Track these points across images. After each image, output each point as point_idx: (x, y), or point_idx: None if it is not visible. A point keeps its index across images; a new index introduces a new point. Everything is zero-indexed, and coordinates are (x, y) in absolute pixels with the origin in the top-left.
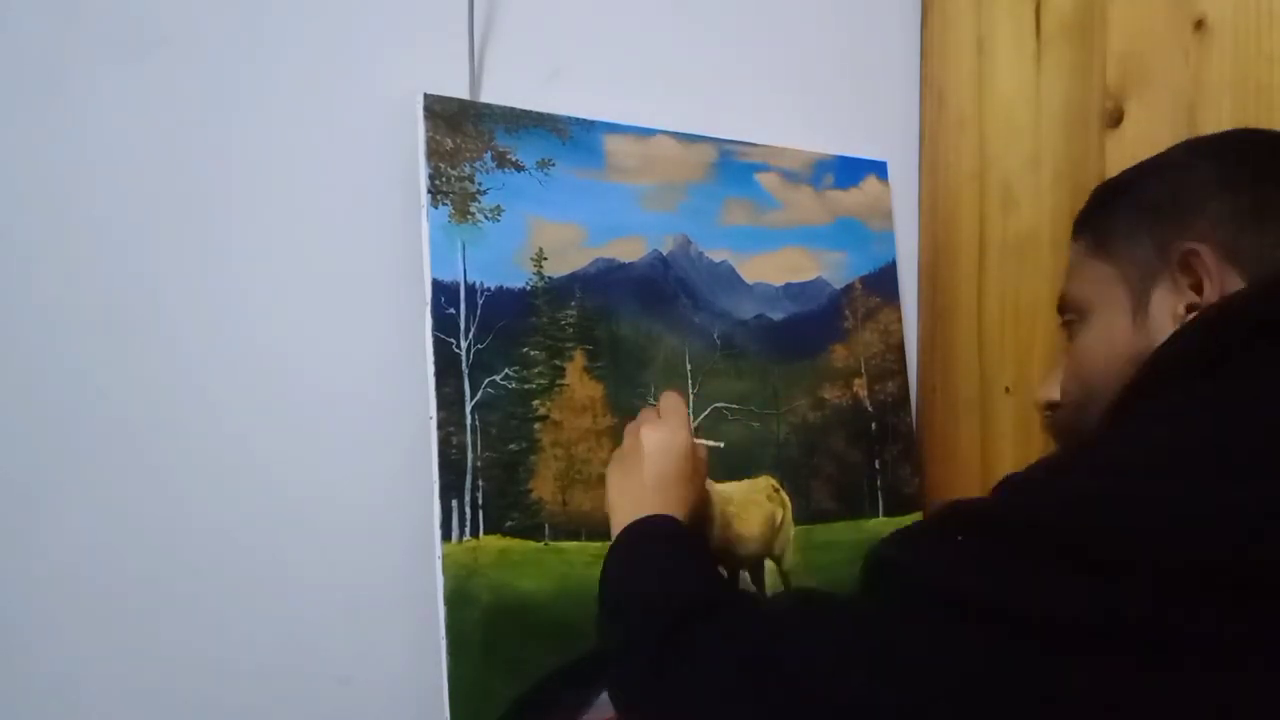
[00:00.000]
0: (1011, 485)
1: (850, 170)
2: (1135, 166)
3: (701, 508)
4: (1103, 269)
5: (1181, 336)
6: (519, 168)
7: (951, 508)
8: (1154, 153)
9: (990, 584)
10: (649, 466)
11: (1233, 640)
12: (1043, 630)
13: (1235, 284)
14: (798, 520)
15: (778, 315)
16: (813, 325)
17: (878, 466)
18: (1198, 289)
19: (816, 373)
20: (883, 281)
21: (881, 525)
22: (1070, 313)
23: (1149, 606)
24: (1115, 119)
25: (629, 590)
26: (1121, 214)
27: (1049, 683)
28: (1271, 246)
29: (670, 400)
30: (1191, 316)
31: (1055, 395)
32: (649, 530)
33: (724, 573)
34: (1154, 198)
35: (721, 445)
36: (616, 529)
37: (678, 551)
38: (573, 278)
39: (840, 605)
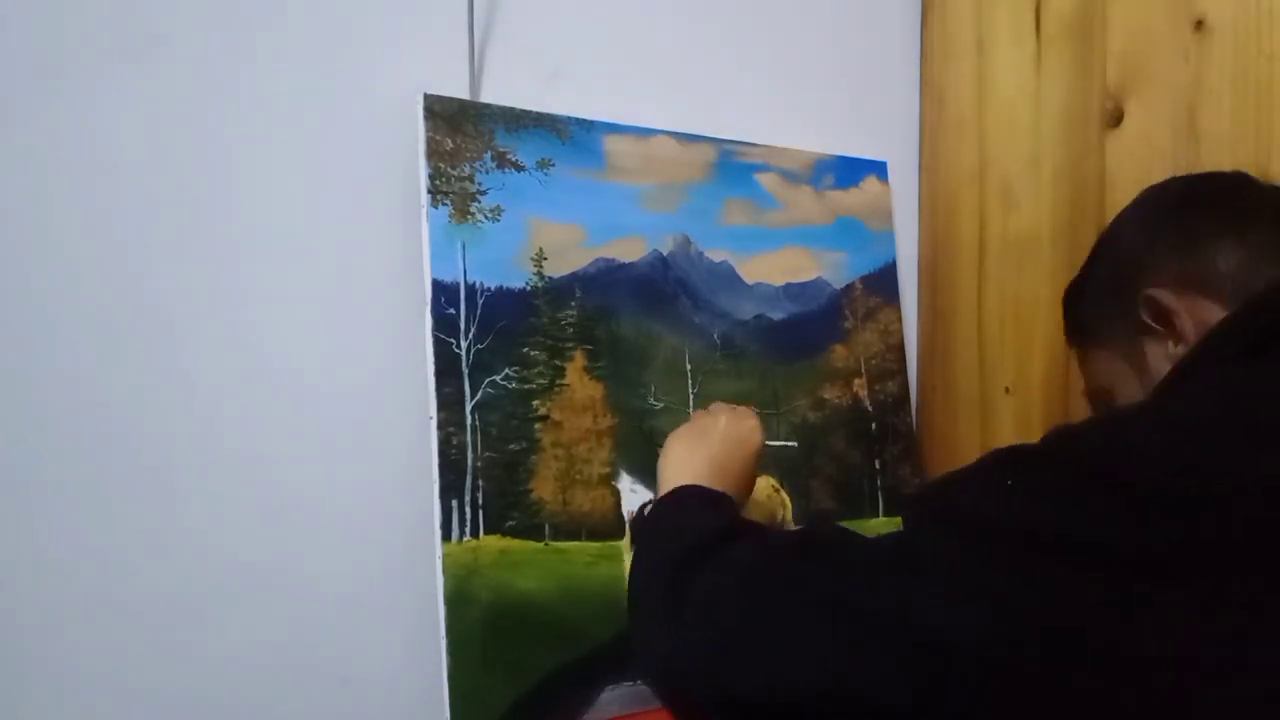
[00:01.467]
0: (1057, 432)
1: (850, 170)
2: (1083, 265)
3: (743, 503)
4: (1101, 356)
5: (1210, 335)
6: (519, 168)
7: (993, 455)
8: (1153, 153)
9: (1051, 512)
10: (717, 448)
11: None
12: (1110, 555)
13: (1203, 306)
14: (798, 520)
15: (778, 315)
16: (813, 325)
17: (878, 466)
18: (1171, 325)
19: (816, 372)
20: (883, 281)
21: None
22: (1099, 401)
23: (1183, 540)
24: (1115, 119)
25: (656, 533)
26: (1089, 303)
27: (1124, 603)
28: (1212, 258)
29: (745, 409)
30: (1179, 350)
31: None
32: (694, 490)
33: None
34: (1105, 273)
35: (794, 445)
36: (662, 488)
37: (713, 503)
38: (573, 278)
39: (886, 540)
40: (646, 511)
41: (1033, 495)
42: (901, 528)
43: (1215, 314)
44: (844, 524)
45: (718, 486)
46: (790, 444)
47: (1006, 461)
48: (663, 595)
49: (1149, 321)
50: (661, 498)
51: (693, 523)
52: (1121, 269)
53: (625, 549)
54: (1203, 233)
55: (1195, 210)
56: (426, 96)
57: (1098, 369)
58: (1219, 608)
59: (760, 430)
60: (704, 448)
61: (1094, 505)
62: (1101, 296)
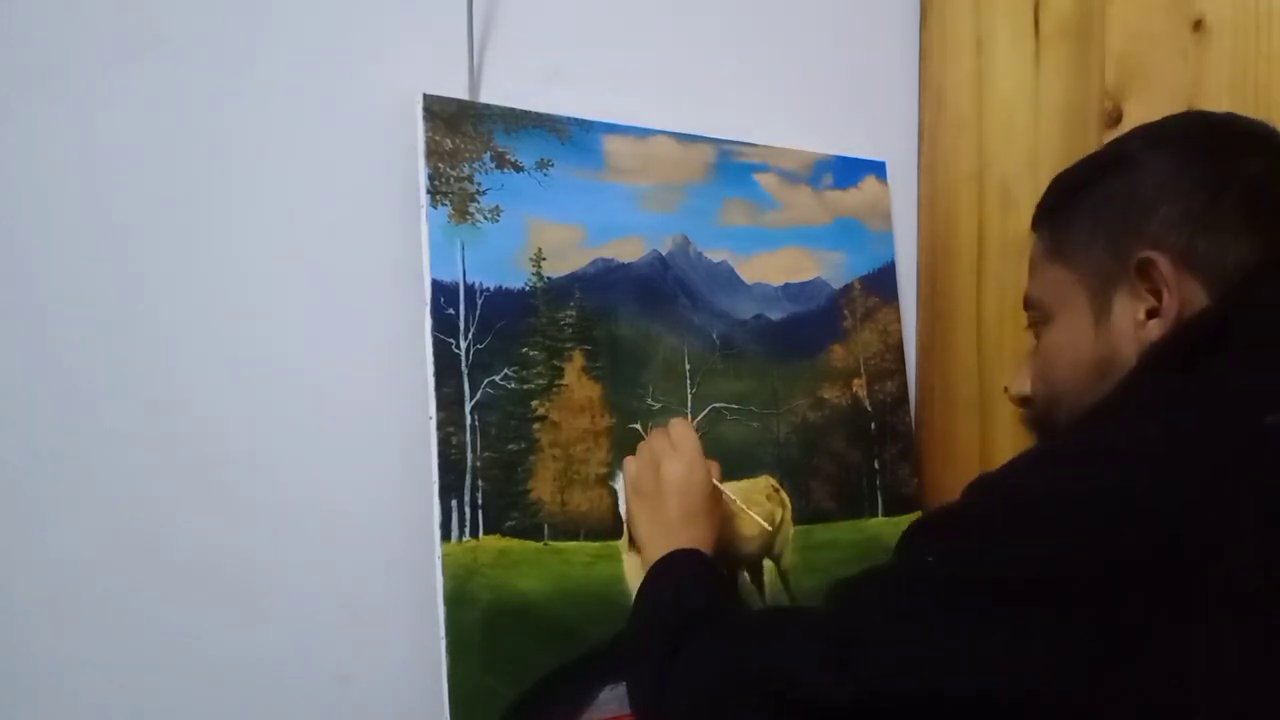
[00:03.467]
0: (976, 485)
1: (849, 170)
2: (1091, 158)
3: (721, 533)
4: (1061, 273)
5: (1148, 357)
6: (518, 168)
7: (909, 532)
8: None
9: (971, 559)
10: (673, 504)
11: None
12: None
13: (1194, 291)
14: (797, 520)
15: (777, 315)
16: (812, 325)
17: (877, 466)
18: (1157, 295)
19: (816, 373)
20: (882, 281)
21: (881, 525)
22: (1034, 311)
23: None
24: (1114, 119)
25: (646, 614)
26: (1077, 217)
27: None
28: (1225, 248)
29: (680, 429)
30: (1152, 325)
31: (1026, 389)
32: (675, 561)
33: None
34: (1109, 198)
35: (767, 527)
36: (648, 562)
37: (695, 578)
38: (572, 278)
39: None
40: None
41: (954, 556)
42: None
43: (1199, 303)
44: (843, 524)
45: (691, 538)
46: (760, 522)
47: (922, 534)
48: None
49: (1134, 276)
50: (646, 576)
51: (663, 620)
52: (1131, 203)
53: (623, 549)
54: (1230, 224)
55: (1234, 194)
56: (426, 97)
57: (1052, 284)
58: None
59: (699, 462)
60: (662, 507)
61: (1009, 549)
62: (1094, 216)
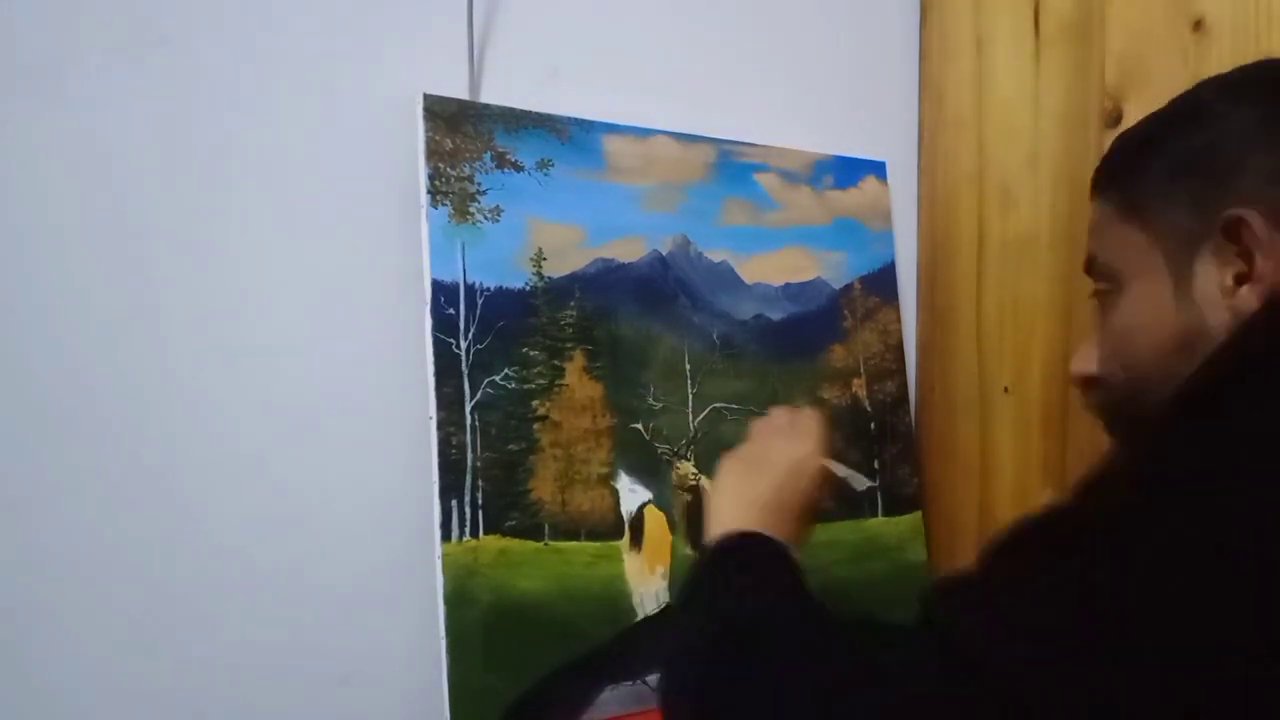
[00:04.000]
0: (1088, 484)
1: (849, 170)
2: (1160, 114)
3: (807, 538)
4: (1134, 234)
5: (1252, 332)
6: (518, 168)
7: (1018, 531)
8: None
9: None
10: (773, 482)
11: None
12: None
13: None
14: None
15: (777, 315)
16: (812, 325)
17: (877, 466)
18: (1246, 257)
19: (815, 373)
20: (882, 281)
21: (881, 525)
22: (1102, 280)
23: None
24: (1114, 119)
25: (719, 596)
26: (1153, 172)
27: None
28: None
29: (808, 418)
30: (1244, 291)
31: (1093, 368)
32: (761, 545)
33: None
34: (1188, 153)
35: (865, 485)
36: (716, 530)
37: (780, 574)
38: (572, 278)
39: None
40: (699, 562)
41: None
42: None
43: None
44: (843, 524)
45: (774, 526)
46: (858, 476)
47: (1041, 539)
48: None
49: (1220, 237)
50: (706, 552)
51: (728, 604)
52: (1215, 156)
53: (624, 549)
54: None
55: None
56: (426, 97)
57: (1122, 243)
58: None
59: (818, 453)
60: (758, 481)
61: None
62: (1172, 172)
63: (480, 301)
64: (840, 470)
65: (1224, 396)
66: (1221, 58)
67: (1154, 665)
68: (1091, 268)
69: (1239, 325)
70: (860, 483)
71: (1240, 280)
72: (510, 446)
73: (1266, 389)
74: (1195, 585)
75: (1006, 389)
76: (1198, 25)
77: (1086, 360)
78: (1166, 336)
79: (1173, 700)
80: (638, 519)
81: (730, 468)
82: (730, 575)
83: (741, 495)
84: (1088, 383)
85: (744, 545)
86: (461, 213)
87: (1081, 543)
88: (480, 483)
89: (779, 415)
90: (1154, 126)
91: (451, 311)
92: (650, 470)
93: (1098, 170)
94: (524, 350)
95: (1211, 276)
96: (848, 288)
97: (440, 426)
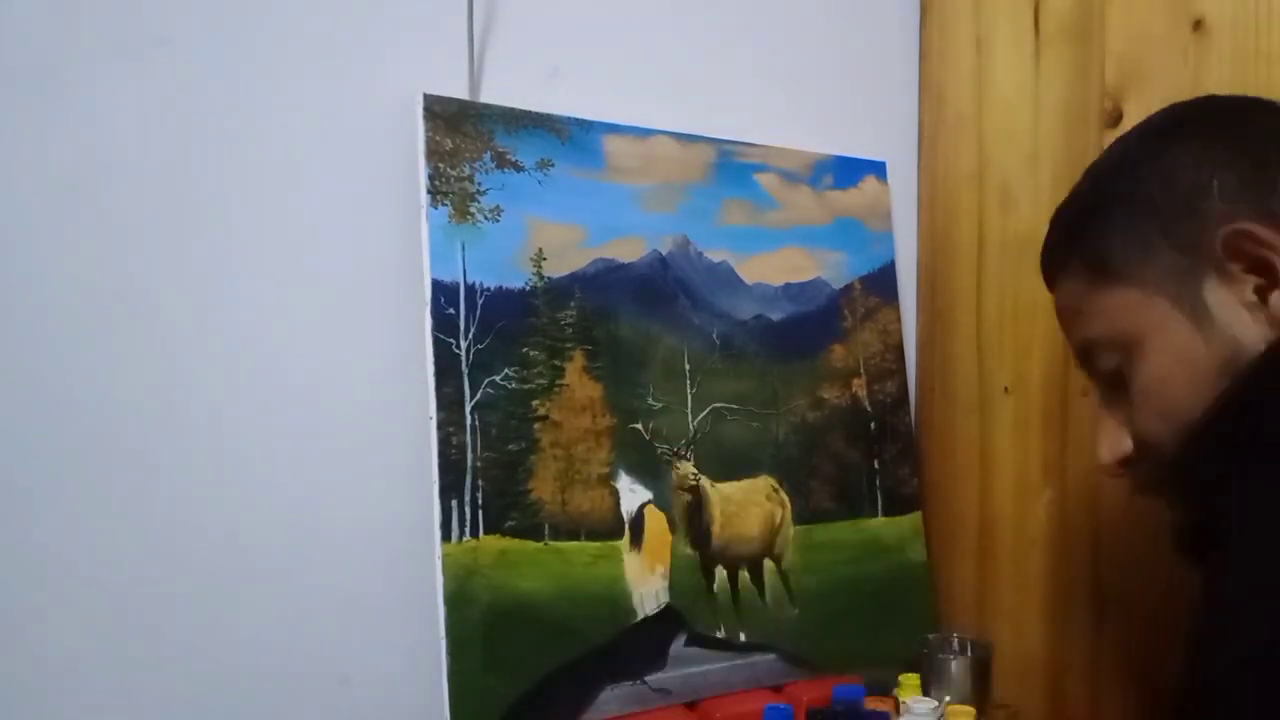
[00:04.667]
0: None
1: (849, 170)
2: (1090, 179)
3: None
4: (1126, 295)
5: None
6: (518, 168)
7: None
8: None
9: None
10: None
11: None
12: None
13: None
14: (797, 520)
15: (776, 315)
16: (812, 325)
17: (877, 466)
18: (1258, 269)
19: (815, 373)
20: (882, 281)
21: (881, 525)
22: (1108, 356)
23: None
24: (1114, 119)
25: None
26: (1114, 231)
27: None
28: None
29: None
30: (1275, 298)
31: (1128, 448)
32: None
33: (724, 573)
34: (1145, 199)
35: None
36: None
37: None
38: (572, 278)
39: None
40: None
41: None
42: None
43: None
44: (843, 524)
45: None
46: None
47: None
48: None
49: (1223, 258)
50: None
51: None
52: (1174, 191)
53: (624, 549)
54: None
55: (1274, 151)
56: (426, 97)
57: (1120, 311)
58: None
59: None
60: None
61: None
62: (1141, 222)
63: (480, 301)
64: None
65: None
66: (1221, 58)
67: None
68: (1091, 351)
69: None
70: None
71: (1262, 292)
72: (510, 446)
73: None
74: None
75: (1006, 389)
76: (1198, 25)
77: (1116, 442)
78: (1203, 372)
79: None
80: (638, 519)
81: None
82: None
83: None
84: (1127, 463)
85: None
86: (461, 213)
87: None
88: (480, 483)
89: None
90: (1090, 193)
91: (451, 311)
92: (650, 470)
93: (1045, 258)
94: (524, 350)
95: (1227, 299)
96: (848, 288)
97: (440, 426)
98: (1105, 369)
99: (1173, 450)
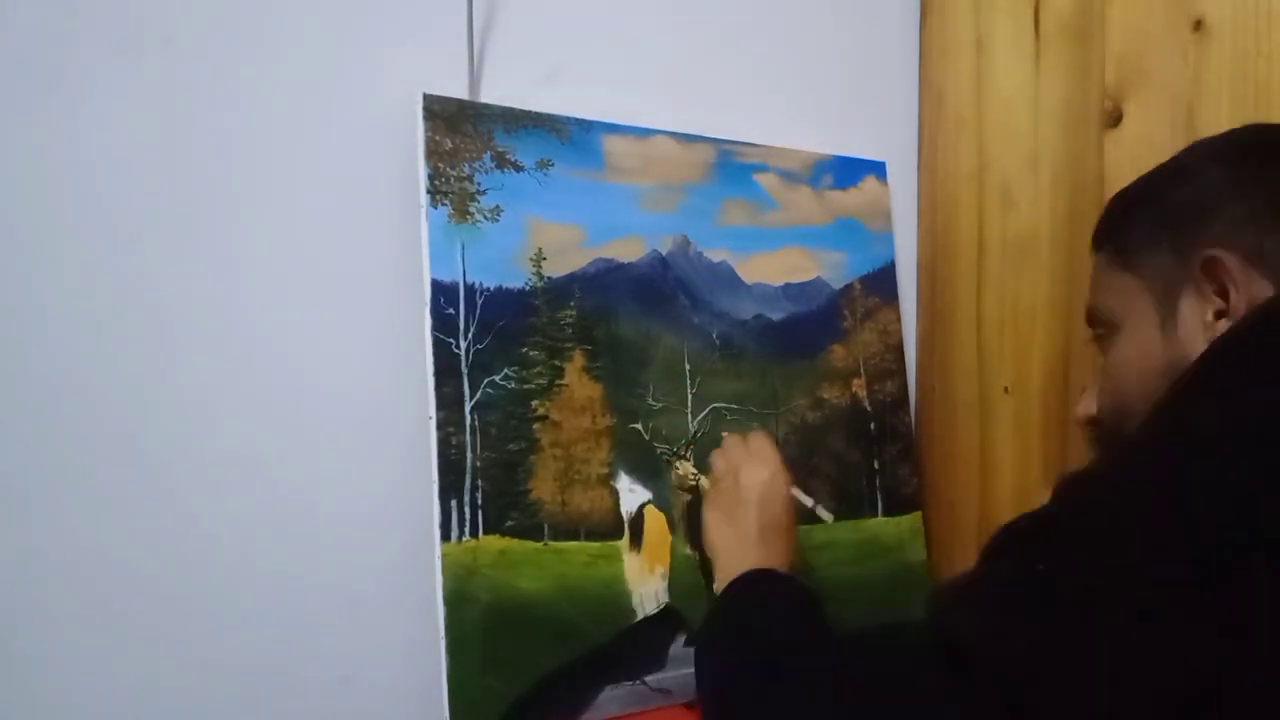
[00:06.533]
0: (1071, 485)
1: (849, 170)
2: (1148, 174)
3: (796, 555)
4: (1126, 280)
5: (1218, 347)
6: (518, 168)
7: (1002, 539)
8: (1153, 153)
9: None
10: (753, 515)
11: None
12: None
13: (1262, 287)
14: (797, 520)
15: (776, 315)
16: (812, 325)
17: (877, 466)
18: (1224, 295)
19: (815, 373)
20: (882, 281)
21: (881, 525)
22: (1099, 326)
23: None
24: (1114, 119)
25: (731, 638)
26: (1139, 224)
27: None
28: None
29: (759, 440)
30: (1221, 325)
31: (1093, 410)
32: (760, 581)
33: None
34: (1170, 205)
35: (829, 518)
36: (723, 576)
37: (785, 601)
38: (572, 278)
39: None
40: (718, 610)
41: (1073, 568)
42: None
43: (1264, 296)
44: (843, 524)
45: (767, 556)
46: (822, 509)
47: (1027, 539)
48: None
49: (1200, 277)
50: (726, 592)
51: (769, 641)
52: (1193, 206)
53: (624, 549)
54: None
55: None
56: (426, 97)
57: (1115, 289)
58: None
59: (780, 473)
60: (741, 518)
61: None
62: (1156, 222)
63: (480, 301)
64: (807, 500)
65: (1186, 403)
66: (1221, 58)
67: (1142, 655)
68: (1091, 316)
69: (1206, 348)
70: (825, 514)
71: (1220, 315)
72: (510, 446)
73: (1224, 391)
74: (1170, 572)
75: (1006, 389)
76: (1198, 25)
77: (1087, 404)
78: (1152, 368)
79: (1164, 689)
80: (637, 519)
81: (713, 518)
82: (747, 618)
83: (729, 536)
84: (1089, 423)
85: (750, 585)
86: (461, 213)
87: (1063, 541)
88: (480, 483)
89: (732, 447)
90: (1142, 186)
91: (451, 311)
92: (650, 470)
93: (1096, 229)
94: (524, 350)
95: (1194, 312)
96: (848, 288)
97: (440, 426)
98: (1096, 334)
99: (1111, 421)
